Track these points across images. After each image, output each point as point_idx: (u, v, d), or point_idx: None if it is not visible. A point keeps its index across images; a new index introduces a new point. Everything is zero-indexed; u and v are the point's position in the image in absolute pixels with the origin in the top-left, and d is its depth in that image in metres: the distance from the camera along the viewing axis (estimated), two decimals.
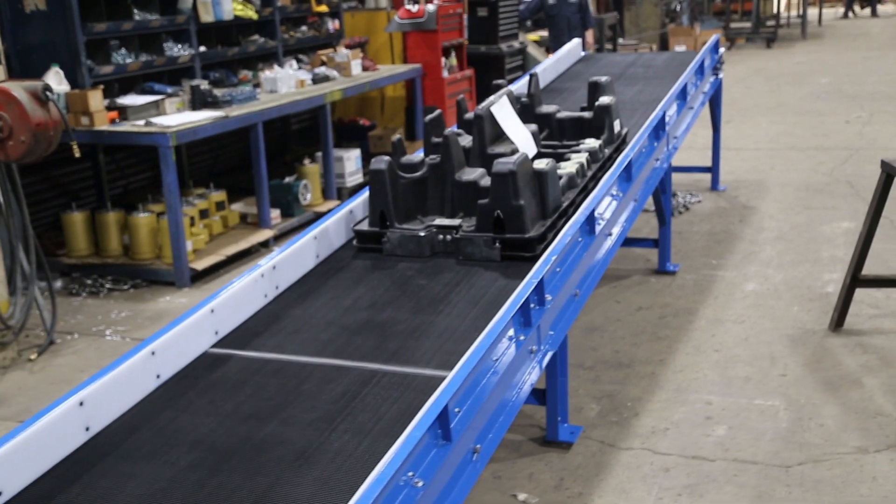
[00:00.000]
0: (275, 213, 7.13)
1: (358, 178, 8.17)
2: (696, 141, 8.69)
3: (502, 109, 4.38)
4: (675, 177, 7.86)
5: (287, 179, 7.43)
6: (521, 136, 4.35)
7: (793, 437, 3.90)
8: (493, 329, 2.88)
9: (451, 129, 4.31)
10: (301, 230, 4.76)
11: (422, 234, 3.82)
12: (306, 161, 7.71)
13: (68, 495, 2.41)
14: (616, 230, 4.22)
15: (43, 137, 4.74)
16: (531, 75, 5.11)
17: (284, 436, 2.64)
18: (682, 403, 4.24)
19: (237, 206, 7.26)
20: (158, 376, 2.95)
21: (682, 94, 5.96)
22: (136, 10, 6.84)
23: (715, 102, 7.52)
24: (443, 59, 9.30)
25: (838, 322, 4.90)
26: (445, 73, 9.27)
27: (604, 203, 4.07)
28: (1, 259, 5.07)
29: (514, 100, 4.62)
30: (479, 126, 4.20)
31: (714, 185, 7.84)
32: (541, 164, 3.88)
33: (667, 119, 5.35)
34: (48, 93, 4.75)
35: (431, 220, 3.94)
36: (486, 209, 3.73)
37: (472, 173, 3.99)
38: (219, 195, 7.00)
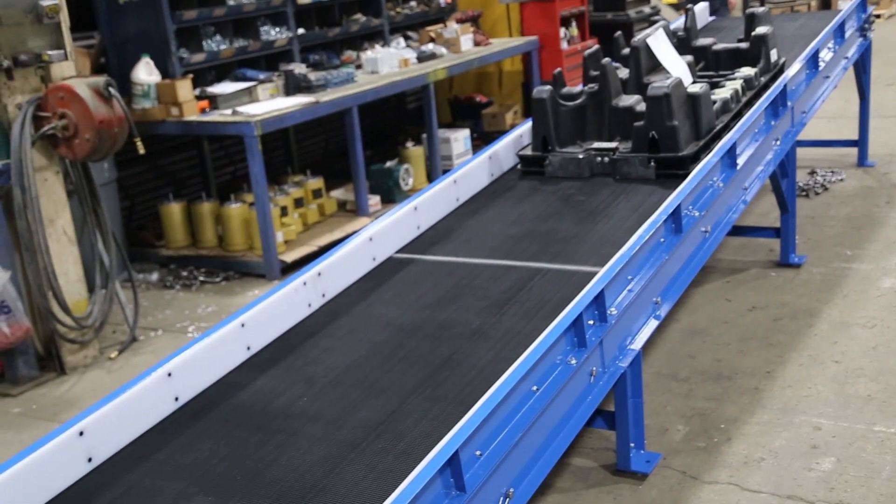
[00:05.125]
0: (374, 200, 6.85)
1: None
2: (847, 109, 7.75)
3: (658, 41, 4.57)
4: (816, 152, 7.08)
5: (388, 164, 7.14)
6: (677, 66, 4.51)
7: None
8: (645, 230, 3.27)
9: (610, 60, 4.45)
10: None
11: (581, 156, 4.21)
12: (409, 144, 7.39)
13: (296, 353, 3.05)
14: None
15: (107, 135, 4.62)
16: (687, 10, 5.28)
17: (461, 318, 3.13)
18: (785, 427, 3.65)
19: (337, 193, 7.03)
20: (324, 295, 3.43)
21: (813, 63, 5.24)
22: None
23: (862, 67, 6.64)
24: (562, 30, 8.75)
25: None
26: (565, 45, 8.71)
27: (743, 142, 4.18)
28: (80, 257, 5.01)
29: (671, 34, 4.84)
30: (636, 57, 4.49)
31: (861, 160, 6.94)
32: (695, 87, 4.15)
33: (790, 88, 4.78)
34: (111, 88, 4.61)
35: (590, 144, 4.31)
36: (641, 131, 4.04)
37: (629, 99, 4.28)
38: (315, 182, 6.78)
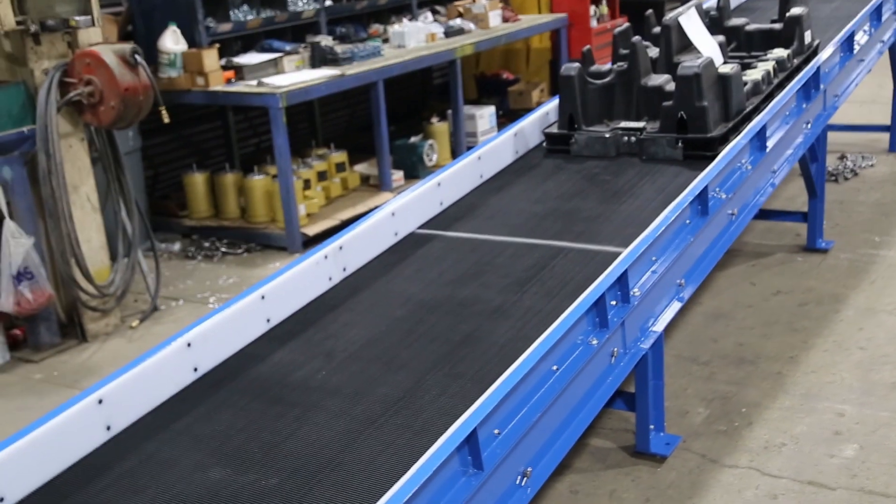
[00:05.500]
0: (398, 175, 6.82)
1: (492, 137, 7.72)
2: (880, 94, 7.61)
3: (690, 20, 4.49)
4: (848, 136, 6.97)
5: (412, 139, 7.10)
6: (709, 46, 4.43)
7: None
8: (671, 211, 3.22)
9: (640, 38, 4.39)
10: None
11: (607, 135, 4.14)
12: (434, 119, 7.34)
13: (316, 327, 3.04)
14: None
15: (133, 102, 4.61)
16: None
17: (483, 296, 3.11)
18: (807, 413, 3.61)
19: (361, 167, 7.00)
20: (345, 269, 3.42)
21: (848, 45, 5.14)
22: None
23: None
24: (592, 8, 8.64)
25: None
26: (594, 23, 8.60)
27: (773, 125, 4.11)
28: (103, 225, 5.03)
29: (703, 13, 4.75)
30: (667, 36, 4.42)
31: (893, 146, 6.82)
32: (726, 68, 4.08)
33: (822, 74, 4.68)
34: (137, 56, 4.60)
35: (617, 124, 4.24)
36: (669, 111, 3.98)
37: (658, 79, 4.22)
38: (339, 156, 6.76)
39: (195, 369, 2.87)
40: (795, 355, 4.05)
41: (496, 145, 4.30)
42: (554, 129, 4.36)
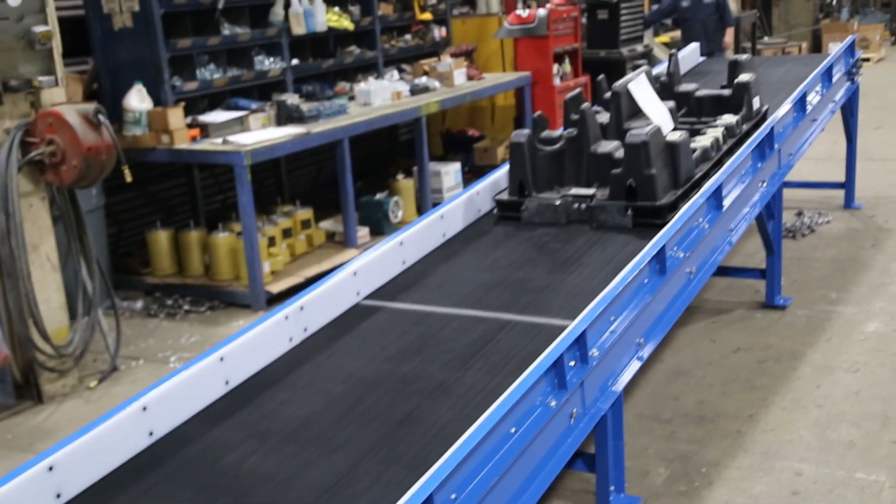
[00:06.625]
0: (363, 232, 6.84)
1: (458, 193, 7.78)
2: (835, 151, 7.79)
3: (639, 86, 4.52)
4: (805, 193, 7.12)
5: (378, 196, 7.14)
6: (658, 113, 4.46)
7: None
8: (619, 282, 3.18)
9: (589, 105, 4.40)
10: None
11: (558, 202, 4.11)
12: (400, 176, 7.40)
13: (253, 405, 2.94)
14: (742, 213, 4.35)
15: (95, 162, 4.61)
16: (671, 55, 5.25)
17: (425, 372, 3.03)
18: (766, 472, 3.63)
19: (326, 224, 7.02)
20: (306, 329, 3.40)
21: (801, 106, 5.29)
22: (225, 24, 6.71)
23: (850, 110, 6.69)
24: (555, 66, 8.80)
25: None
26: (557, 81, 8.76)
27: (729, 183, 4.18)
28: (62, 284, 4.99)
29: (653, 79, 4.79)
30: (616, 102, 4.44)
31: (848, 202, 6.99)
32: (674, 135, 4.07)
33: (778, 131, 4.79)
34: (100, 116, 4.61)
35: (567, 190, 4.22)
36: (618, 178, 3.96)
37: (608, 145, 4.21)
38: (304, 213, 6.77)
39: (150, 433, 2.83)
40: (755, 413, 4.09)
41: (449, 210, 4.23)
42: (505, 196, 4.30)
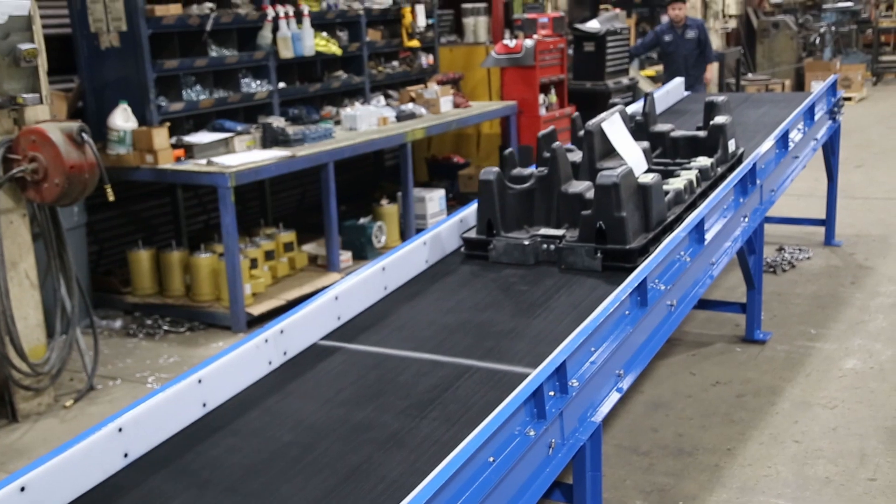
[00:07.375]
0: (346, 256, 6.84)
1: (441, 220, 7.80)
2: (817, 188, 7.87)
3: (613, 126, 4.47)
4: (786, 229, 7.18)
5: (362, 220, 7.14)
6: (632, 153, 4.40)
7: None
8: (582, 331, 3.07)
9: (561, 144, 4.30)
10: None
11: (526, 242, 3.99)
12: (384, 201, 7.41)
13: (194, 452, 2.80)
14: (724, 247, 4.33)
15: (77, 180, 4.59)
16: (647, 95, 5.21)
17: (378, 420, 2.91)
18: None
19: (309, 247, 7.01)
20: (270, 363, 3.31)
21: (783, 143, 5.35)
22: (213, 46, 6.72)
23: (830, 149, 6.77)
24: (541, 96, 8.87)
25: None
26: (543, 111, 8.82)
27: (711, 218, 4.16)
28: (41, 302, 4.94)
29: (628, 118, 4.74)
30: (590, 141, 4.38)
31: (828, 239, 7.05)
32: (646, 177, 3.98)
33: (760, 167, 4.84)
34: (84, 134, 4.60)
35: (536, 230, 4.10)
36: (588, 220, 3.86)
37: (579, 186, 4.14)
38: (287, 236, 6.77)
39: (125, 455, 2.80)
40: (733, 447, 4.09)
41: (410, 251, 4.10)
42: (472, 234, 4.17)
